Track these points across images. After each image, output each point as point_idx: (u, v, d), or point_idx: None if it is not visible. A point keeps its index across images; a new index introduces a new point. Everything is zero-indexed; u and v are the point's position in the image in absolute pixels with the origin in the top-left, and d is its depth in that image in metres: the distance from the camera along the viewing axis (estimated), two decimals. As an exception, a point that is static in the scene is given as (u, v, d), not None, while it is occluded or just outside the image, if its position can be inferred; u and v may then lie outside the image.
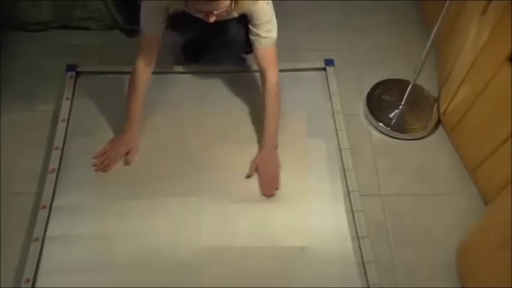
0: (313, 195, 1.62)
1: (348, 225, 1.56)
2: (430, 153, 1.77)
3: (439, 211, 1.63)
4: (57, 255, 1.47)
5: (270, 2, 1.55)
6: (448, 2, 1.50)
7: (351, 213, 1.59)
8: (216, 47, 1.88)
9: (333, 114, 1.82)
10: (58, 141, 1.70)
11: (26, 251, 1.47)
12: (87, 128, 1.76)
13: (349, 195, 1.63)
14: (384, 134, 1.81)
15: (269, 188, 1.62)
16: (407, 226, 1.59)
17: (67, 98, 1.82)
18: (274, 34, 1.59)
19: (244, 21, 1.59)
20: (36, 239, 1.49)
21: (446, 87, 1.79)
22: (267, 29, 1.57)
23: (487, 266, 1.33)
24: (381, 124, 1.81)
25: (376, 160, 1.74)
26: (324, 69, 1.96)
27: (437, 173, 1.71)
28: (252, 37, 1.60)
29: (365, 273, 1.47)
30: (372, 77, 1.96)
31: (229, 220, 1.56)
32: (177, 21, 1.60)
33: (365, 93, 1.91)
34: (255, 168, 1.65)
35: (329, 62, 1.97)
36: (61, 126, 1.74)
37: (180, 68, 1.94)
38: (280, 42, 1.63)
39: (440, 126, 1.83)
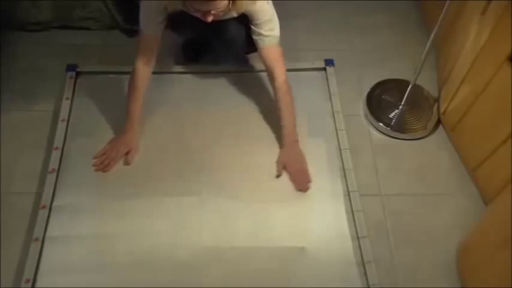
0: (313, 195, 1.62)
1: (348, 225, 1.56)
2: (430, 153, 1.77)
3: (439, 211, 1.63)
4: (57, 255, 1.47)
5: (270, 1, 1.55)
6: (448, 2, 1.50)
7: (351, 213, 1.59)
8: (216, 47, 1.87)
9: (333, 114, 1.82)
10: (58, 141, 1.70)
11: (26, 251, 1.47)
12: (87, 128, 1.76)
13: (349, 195, 1.63)
14: (384, 134, 1.81)
15: (302, 182, 1.62)
16: (407, 226, 1.59)
17: (67, 98, 1.82)
18: (276, 32, 1.59)
19: (245, 21, 1.59)
20: (36, 239, 1.49)
21: (446, 87, 1.79)
22: (268, 28, 1.57)
23: (487, 266, 1.33)
24: (381, 124, 1.81)
25: (376, 160, 1.74)
26: (324, 69, 1.96)
27: (437, 173, 1.71)
28: (254, 37, 1.60)
29: (365, 273, 1.47)
30: (372, 77, 1.96)
31: (229, 220, 1.56)
32: (177, 21, 1.60)
33: (365, 93, 1.91)
34: (283, 167, 1.65)
35: (329, 62, 1.97)
36: (61, 126, 1.74)
37: (180, 68, 1.94)
38: (280, 42, 1.63)
39: (440, 126, 1.83)
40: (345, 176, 1.67)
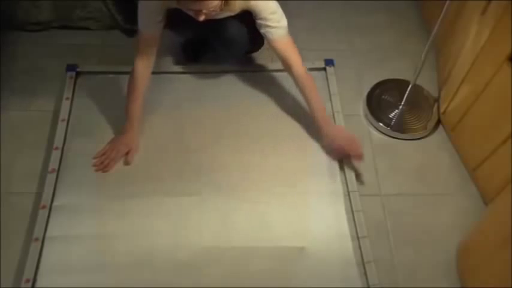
0: (313, 195, 1.62)
1: (348, 225, 1.56)
2: (430, 153, 1.77)
3: (439, 211, 1.63)
4: (57, 255, 1.47)
5: None
6: (448, 2, 1.50)
7: (351, 213, 1.59)
8: (216, 47, 1.88)
9: (333, 114, 1.82)
10: (58, 141, 1.70)
11: (26, 251, 1.47)
12: (87, 128, 1.76)
13: (349, 195, 1.63)
14: (384, 134, 1.81)
15: (357, 148, 1.63)
16: (407, 226, 1.59)
17: (67, 98, 1.82)
18: (284, 22, 1.59)
19: (247, 19, 1.59)
20: (36, 239, 1.49)
21: (446, 87, 1.79)
22: (275, 20, 1.56)
23: (487, 266, 1.33)
24: (381, 124, 1.81)
25: (376, 160, 1.74)
26: (324, 69, 1.96)
27: (437, 173, 1.71)
28: (262, 31, 1.60)
29: (365, 273, 1.47)
30: (372, 77, 1.96)
31: (229, 220, 1.56)
32: (176, 20, 1.60)
33: (365, 93, 1.91)
34: (337, 145, 1.65)
35: (329, 62, 1.97)
36: (61, 126, 1.74)
37: (179, 68, 1.94)
38: (288, 31, 1.63)
39: (440, 126, 1.83)
40: (345, 176, 1.67)
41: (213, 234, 1.53)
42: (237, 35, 1.70)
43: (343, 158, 1.68)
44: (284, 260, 1.49)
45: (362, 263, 1.49)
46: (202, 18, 1.40)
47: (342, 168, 1.69)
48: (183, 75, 1.93)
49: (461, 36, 1.67)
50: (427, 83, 1.92)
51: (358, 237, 1.54)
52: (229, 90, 1.88)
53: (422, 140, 1.80)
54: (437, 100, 1.87)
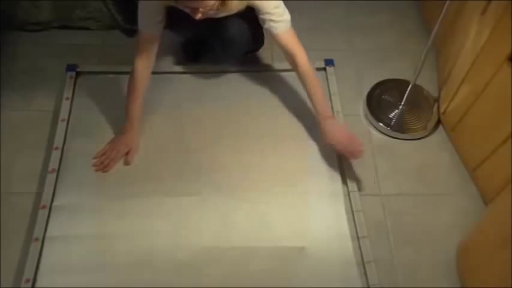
0: (313, 195, 1.62)
1: (348, 225, 1.56)
2: (430, 153, 1.77)
3: (439, 211, 1.63)
4: (57, 255, 1.47)
5: None
6: (448, 2, 1.50)
7: (351, 213, 1.59)
8: (217, 46, 1.88)
9: (333, 114, 1.82)
10: (58, 141, 1.70)
11: (26, 251, 1.47)
12: (87, 128, 1.76)
13: (349, 195, 1.63)
14: (384, 134, 1.81)
15: (358, 144, 1.59)
16: (407, 226, 1.59)
17: (67, 98, 1.82)
18: (287, 16, 1.59)
19: (247, 18, 1.59)
20: (36, 239, 1.49)
21: (446, 87, 1.79)
22: (278, 14, 1.56)
23: (487, 266, 1.33)
24: (381, 124, 1.81)
25: (376, 160, 1.74)
26: (324, 69, 1.96)
27: (437, 173, 1.71)
28: (265, 26, 1.59)
29: (365, 273, 1.47)
30: (372, 77, 1.96)
31: (229, 220, 1.56)
32: (176, 21, 1.60)
33: (365, 93, 1.91)
34: (335, 142, 1.62)
35: (329, 62, 1.97)
36: (61, 126, 1.74)
37: (179, 68, 1.94)
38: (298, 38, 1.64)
39: (440, 126, 1.83)
40: (345, 176, 1.67)
41: (213, 234, 1.53)
42: (238, 35, 1.70)
43: (343, 155, 1.66)
44: (284, 260, 1.49)
45: (362, 263, 1.49)
46: (199, 16, 1.40)
47: (342, 168, 1.69)
48: (183, 75, 1.93)
49: (461, 36, 1.67)
50: (427, 83, 1.92)
51: (358, 237, 1.54)
52: (229, 90, 1.88)
53: (422, 140, 1.80)
54: (437, 100, 1.87)
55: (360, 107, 1.89)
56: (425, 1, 2.12)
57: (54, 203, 1.57)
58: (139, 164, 1.67)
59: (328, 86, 1.90)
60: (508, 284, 1.17)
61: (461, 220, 1.59)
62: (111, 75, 1.90)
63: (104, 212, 1.56)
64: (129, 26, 2.04)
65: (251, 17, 1.61)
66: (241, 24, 1.65)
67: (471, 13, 1.60)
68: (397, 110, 1.85)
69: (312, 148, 1.73)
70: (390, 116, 1.84)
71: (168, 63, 1.95)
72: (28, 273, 1.42)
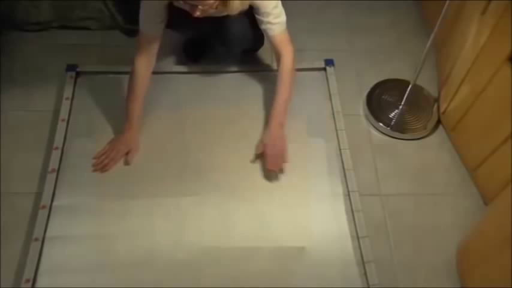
0: (313, 195, 1.62)
1: (348, 225, 1.56)
2: (430, 153, 1.77)
3: (439, 211, 1.63)
4: (57, 255, 1.47)
5: None
6: (448, 2, 1.50)
7: (351, 213, 1.59)
8: (219, 45, 1.88)
9: (333, 114, 1.82)
10: (58, 141, 1.70)
11: (26, 251, 1.47)
12: (87, 128, 1.76)
13: (349, 195, 1.63)
14: (384, 134, 1.81)
15: (277, 163, 1.61)
16: (407, 226, 1.59)
17: (67, 98, 1.82)
18: (283, 17, 1.60)
19: (248, 18, 1.59)
20: (36, 239, 1.49)
21: (446, 87, 1.79)
22: (275, 15, 1.57)
23: (487, 266, 1.33)
24: (381, 124, 1.81)
25: (376, 160, 1.74)
26: (324, 69, 1.96)
27: (437, 173, 1.71)
28: (262, 26, 1.60)
29: (365, 273, 1.47)
30: (372, 77, 1.96)
31: (229, 220, 1.56)
32: (177, 20, 1.59)
33: (365, 93, 1.91)
34: (262, 146, 1.64)
35: (329, 62, 1.97)
36: (61, 126, 1.74)
37: (180, 68, 1.94)
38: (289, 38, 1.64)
39: (440, 126, 1.83)
40: (345, 176, 1.67)
41: (213, 234, 1.53)
42: (239, 34, 1.70)
43: (265, 158, 1.64)
44: (284, 260, 1.49)
45: (362, 263, 1.49)
46: (197, 14, 1.39)
47: (342, 168, 1.69)
48: (183, 75, 1.93)
49: (461, 36, 1.67)
50: (427, 83, 1.92)
51: (358, 237, 1.54)
52: (229, 91, 1.88)
53: (422, 140, 1.80)
54: (437, 100, 1.87)
55: (360, 107, 1.89)
56: (425, 1, 2.12)
57: (54, 203, 1.57)
58: (139, 164, 1.67)
59: (328, 86, 1.90)
60: (508, 284, 1.17)
61: (461, 220, 1.59)
62: (111, 75, 1.90)
63: (104, 212, 1.56)
64: (129, 26, 2.04)
65: (252, 17, 1.61)
66: (242, 23, 1.65)
67: (471, 13, 1.60)
68: (397, 110, 1.85)
69: (312, 148, 1.73)
70: (390, 116, 1.84)
71: (168, 63, 1.95)
72: (28, 273, 1.42)
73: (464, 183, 1.68)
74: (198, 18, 1.43)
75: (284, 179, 1.65)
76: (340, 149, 1.73)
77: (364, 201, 1.62)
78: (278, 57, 1.67)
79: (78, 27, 2.07)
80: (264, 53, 1.97)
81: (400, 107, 1.85)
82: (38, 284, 1.42)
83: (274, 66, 1.93)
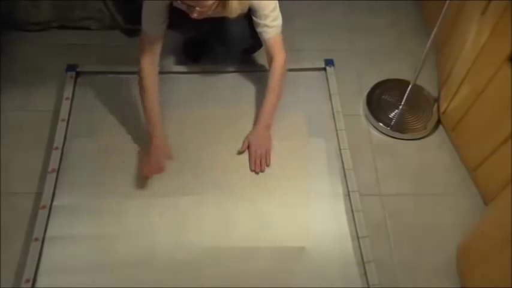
0: (313, 195, 1.62)
1: (348, 225, 1.56)
2: (430, 153, 1.77)
3: (439, 211, 1.63)
4: (57, 255, 1.47)
5: None
6: (448, 2, 1.50)
7: (351, 213, 1.59)
8: (217, 46, 1.87)
9: (333, 114, 1.82)
10: (58, 141, 1.70)
11: (26, 251, 1.47)
12: (87, 128, 1.76)
13: (349, 195, 1.63)
14: (384, 134, 1.81)
15: (259, 164, 1.65)
16: (407, 226, 1.59)
17: (67, 98, 1.82)
18: (280, 20, 1.61)
19: (248, 18, 1.59)
20: (36, 239, 1.49)
21: (446, 87, 1.79)
22: (273, 18, 1.57)
23: (487, 266, 1.33)
24: (381, 124, 1.81)
25: (376, 160, 1.74)
26: (324, 69, 1.96)
27: (437, 173, 1.71)
28: (259, 29, 1.60)
29: (365, 273, 1.47)
30: (372, 77, 1.96)
31: (229, 220, 1.56)
32: (178, 20, 1.59)
33: (365, 93, 1.91)
34: (247, 145, 1.68)
35: (329, 62, 1.97)
36: (61, 126, 1.74)
37: (180, 68, 1.94)
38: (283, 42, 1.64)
39: (440, 126, 1.83)
40: (345, 176, 1.67)
41: (213, 234, 1.53)
42: (238, 34, 1.70)
43: (250, 156, 1.68)
44: (284, 260, 1.49)
45: (362, 263, 1.49)
46: (195, 15, 1.39)
47: (341, 168, 1.69)
48: (182, 75, 1.93)
49: (461, 36, 1.67)
50: (427, 83, 1.92)
51: (358, 237, 1.54)
52: (229, 90, 1.88)
53: (422, 140, 1.80)
54: (437, 100, 1.87)
55: (360, 107, 1.89)
56: (425, 1, 2.12)
57: (54, 203, 1.57)
58: (138, 164, 1.67)
59: (328, 86, 1.90)
60: (508, 284, 1.17)
61: (461, 220, 1.59)
62: (111, 75, 1.90)
63: (104, 212, 1.56)
64: (129, 26, 2.04)
65: (251, 18, 1.61)
66: (242, 24, 1.65)
67: (471, 13, 1.60)
68: (397, 110, 1.85)
69: (312, 148, 1.73)
70: (390, 116, 1.84)
71: (168, 63, 1.95)
72: (28, 273, 1.42)
73: (464, 183, 1.68)
74: (197, 20, 1.43)
75: (284, 179, 1.65)
76: (340, 149, 1.73)
77: (364, 201, 1.62)
78: (270, 61, 1.68)
79: (78, 27, 2.07)
80: (263, 54, 1.96)
81: (400, 107, 1.85)
82: (38, 284, 1.42)
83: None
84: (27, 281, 1.41)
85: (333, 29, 2.14)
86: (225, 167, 1.67)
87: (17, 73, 1.93)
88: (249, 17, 1.61)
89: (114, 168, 1.65)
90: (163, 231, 1.53)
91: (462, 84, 1.64)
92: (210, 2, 1.37)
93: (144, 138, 1.70)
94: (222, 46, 1.83)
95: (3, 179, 1.64)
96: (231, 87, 1.90)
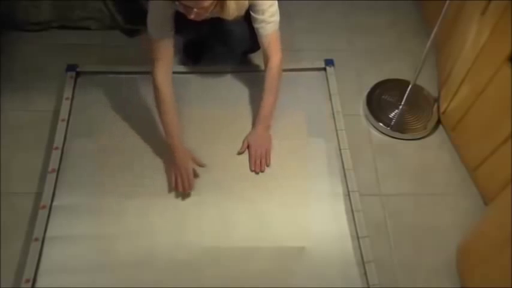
0: (313, 195, 1.62)
1: (348, 225, 1.56)
2: (430, 153, 1.77)
3: (439, 211, 1.63)
4: (57, 255, 1.47)
5: None
6: (448, 2, 1.50)
7: (351, 213, 1.59)
8: (217, 47, 1.87)
9: (333, 114, 1.82)
10: (58, 141, 1.70)
11: (26, 251, 1.47)
12: (87, 128, 1.76)
13: (349, 195, 1.63)
14: (384, 134, 1.81)
15: (259, 164, 1.65)
16: (407, 226, 1.59)
17: (67, 98, 1.82)
18: (277, 16, 1.59)
19: (249, 18, 1.58)
20: (36, 239, 1.49)
21: (446, 87, 1.79)
22: (271, 13, 1.56)
23: (487, 266, 1.33)
24: (381, 124, 1.81)
25: (376, 160, 1.74)
26: (324, 69, 1.96)
27: (437, 173, 1.71)
28: (256, 25, 1.59)
29: (365, 273, 1.47)
30: (372, 77, 1.96)
31: (229, 220, 1.56)
32: (178, 21, 1.59)
33: (365, 93, 1.91)
34: (247, 145, 1.68)
35: (329, 62, 1.97)
36: (61, 126, 1.74)
37: (181, 68, 1.94)
38: (281, 42, 1.64)
39: (440, 126, 1.83)
40: (345, 176, 1.67)
41: (213, 234, 1.53)
42: (239, 36, 1.70)
43: (250, 157, 1.69)
44: (284, 260, 1.49)
45: (362, 263, 1.49)
46: (192, 16, 1.38)
47: (341, 168, 1.69)
48: (182, 75, 1.93)
49: (461, 36, 1.67)
50: (427, 83, 1.92)
51: (358, 237, 1.54)
52: (229, 90, 1.88)
53: (422, 140, 1.80)
54: (437, 100, 1.87)
55: (360, 107, 1.89)
56: (425, 1, 2.12)
57: (54, 203, 1.57)
58: (139, 164, 1.67)
59: (328, 86, 1.90)
60: (508, 284, 1.17)
61: (461, 220, 1.59)
62: (111, 75, 1.91)
63: (104, 212, 1.56)
64: (129, 26, 2.04)
65: (250, 19, 1.61)
66: (242, 25, 1.65)
67: (471, 13, 1.60)
68: (397, 110, 1.85)
69: (312, 148, 1.73)
70: (390, 116, 1.84)
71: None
72: (28, 273, 1.42)
73: (464, 183, 1.68)
74: (197, 21, 1.43)
75: (284, 179, 1.65)
76: (340, 149, 1.73)
77: (364, 201, 1.62)
78: (266, 60, 1.67)
79: (78, 27, 2.07)
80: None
81: (400, 107, 1.85)
82: (38, 284, 1.42)
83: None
84: (27, 281, 1.41)
85: (332, 29, 2.14)
86: (225, 167, 1.67)
87: (17, 73, 1.93)
88: (248, 18, 1.60)
89: (114, 168, 1.65)
90: (163, 231, 1.53)
91: (462, 84, 1.64)
92: (208, 2, 1.37)
93: (143, 140, 1.71)
94: (222, 47, 1.83)
95: (3, 179, 1.64)
96: (231, 87, 1.90)
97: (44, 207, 1.55)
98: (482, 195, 1.63)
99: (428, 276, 1.50)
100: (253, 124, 1.73)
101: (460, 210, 1.63)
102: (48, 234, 1.50)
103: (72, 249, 1.48)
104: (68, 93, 1.84)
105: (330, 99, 1.87)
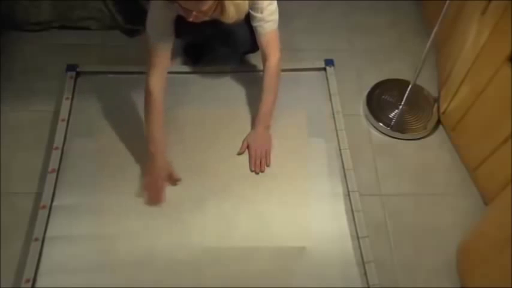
0: (313, 195, 1.62)
1: (348, 225, 1.56)
2: (430, 153, 1.77)
3: (439, 211, 1.63)
4: (57, 255, 1.47)
5: None
6: (448, 2, 1.50)
7: (351, 213, 1.59)
8: (217, 47, 1.87)
9: (333, 114, 1.82)
10: (58, 141, 1.70)
11: (26, 251, 1.47)
12: (87, 128, 1.76)
13: (349, 195, 1.63)
14: (384, 134, 1.81)
15: (259, 164, 1.65)
16: (407, 226, 1.59)
17: (67, 98, 1.82)
18: (277, 15, 1.59)
19: (249, 19, 1.58)
20: (36, 239, 1.49)
21: (446, 87, 1.79)
22: (270, 12, 1.56)
23: (487, 266, 1.33)
24: (381, 124, 1.81)
25: (376, 160, 1.74)
26: (324, 69, 1.96)
27: (437, 173, 1.71)
28: (255, 23, 1.59)
29: (365, 273, 1.47)
30: (372, 77, 1.96)
31: (229, 220, 1.56)
32: (178, 24, 1.59)
33: (365, 93, 1.91)
34: (247, 146, 1.68)
35: (329, 62, 1.97)
36: (61, 126, 1.74)
37: (179, 69, 1.94)
38: (280, 42, 1.64)
39: (440, 126, 1.83)
40: (345, 176, 1.67)
41: (213, 234, 1.53)
42: (240, 37, 1.70)
43: (250, 157, 1.68)
44: (284, 260, 1.49)
45: (362, 263, 1.49)
46: (191, 19, 1.38)
47: (341, 168, 1.69)
48: (182, 75, 1.93)
49: (461, 36, 1.67)
50: (427, 83, 1.92)
51: (358, 237, 1.54)
52: (228, 91, 1.88)
53: (422, 140, 1.80)
54: (437, 100, 1.87)
55: (360, 107, 1.89)
56: (425, 1, 2.12)
57: (54, 203, 1.57)
58: (138, 165, 1.67)
59: (328, 86, 1.90)
60: (508, 284, 1.17)
61: (461, 220, 1.59)
62: (111, 75, 1.91)
63: (104, 212, 1.56)
64: (129, 26, 2.04)
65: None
66: (242, 26, 1.65)
67: (471, 13, 1.60)
68: (397, 110, 1.85)
69: (312, 148, 1.73)
70: (390, 116, 1.84)
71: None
72: (28, 273, 1.42)
73: (464, 183, 1.69)
74: (197, 23, 1.43)
75: (284, 179, 1.65)
76: (340, 149, 1.73)
77: (364, 201, 1.62)
78: (264, 59, 1.66)
79: (78, 27, 2.07)
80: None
81: (400, 107, 1.85)
82: (38, 284, 1.42)
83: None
84: (27, 281, 1.41)
85: (332, 29, 2.14)
86: (225, 167, 1.67)
87: (17, 73, 1.93)
88: (248, 19, 1.60)
89: (114, 168, 1.65)
90: (164, 231, 1.53)
91: (462, 84, 1.64)
92: (207, 6, 1.36)
93: (143, 140, 1.70)
94: (223, 48, 1.83)
95: (3, 179, 1.64)
96: (231, 87, 1.90)
97: (44, 207, 1.55)
98: (482, 195, 1.63)
99: (428, 276, 1.50)
100: (253, 124, 1.73)
101: (460, 210, 1.63)
102: (48, 234, 1.50)
103: (72, 249, 1.48)
104: (68, 93, 1.84)
105: (330, 99, 1.87)
